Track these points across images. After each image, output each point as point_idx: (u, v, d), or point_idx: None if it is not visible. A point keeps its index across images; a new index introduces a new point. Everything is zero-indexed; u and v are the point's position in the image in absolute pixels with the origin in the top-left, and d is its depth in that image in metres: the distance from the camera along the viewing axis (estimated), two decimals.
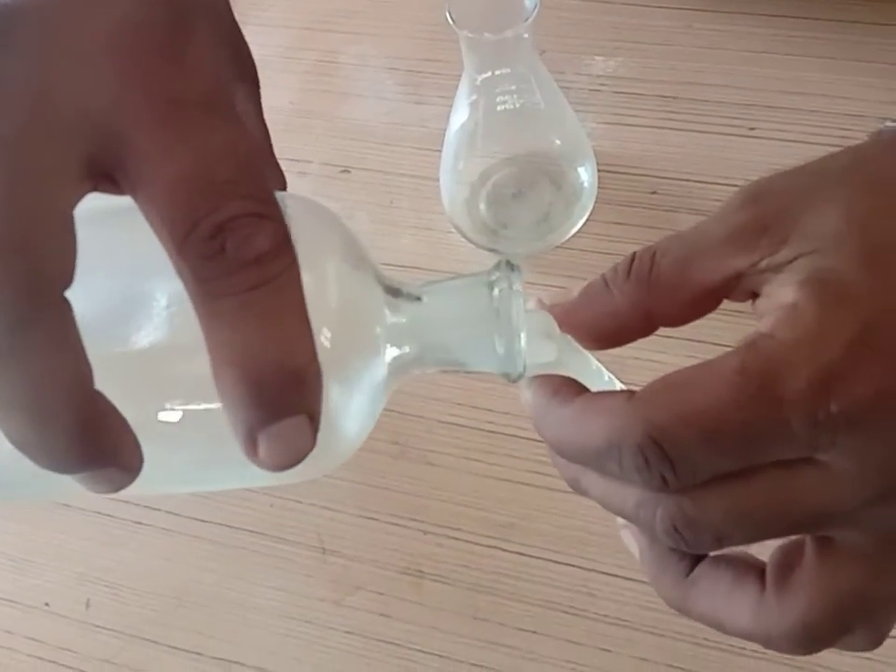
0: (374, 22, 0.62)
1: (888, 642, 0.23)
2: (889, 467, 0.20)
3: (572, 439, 0.22)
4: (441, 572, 0.43)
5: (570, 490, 0.24)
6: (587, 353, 0.24)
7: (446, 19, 0.43)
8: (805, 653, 0.23)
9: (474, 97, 0.48)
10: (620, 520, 0.25)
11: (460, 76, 0.48)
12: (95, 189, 0.20)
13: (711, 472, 0.20)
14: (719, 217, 0.23)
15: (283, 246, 0.19)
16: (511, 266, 0.23)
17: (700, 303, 0.23)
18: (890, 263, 0.20)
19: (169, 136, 0.19)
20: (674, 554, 0.24)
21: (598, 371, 0.24)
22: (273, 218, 0.19)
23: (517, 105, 0.48)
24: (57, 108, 0.18)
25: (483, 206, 0.51)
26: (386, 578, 0.43)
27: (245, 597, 0.44)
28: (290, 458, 0.19)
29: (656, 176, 0.51)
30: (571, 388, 0.22)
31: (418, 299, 0.24)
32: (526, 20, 0.42)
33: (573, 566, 0.42)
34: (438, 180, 0.51)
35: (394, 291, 0.24)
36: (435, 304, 0.24)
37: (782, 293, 0.21)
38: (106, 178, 0.19)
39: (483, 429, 0.46)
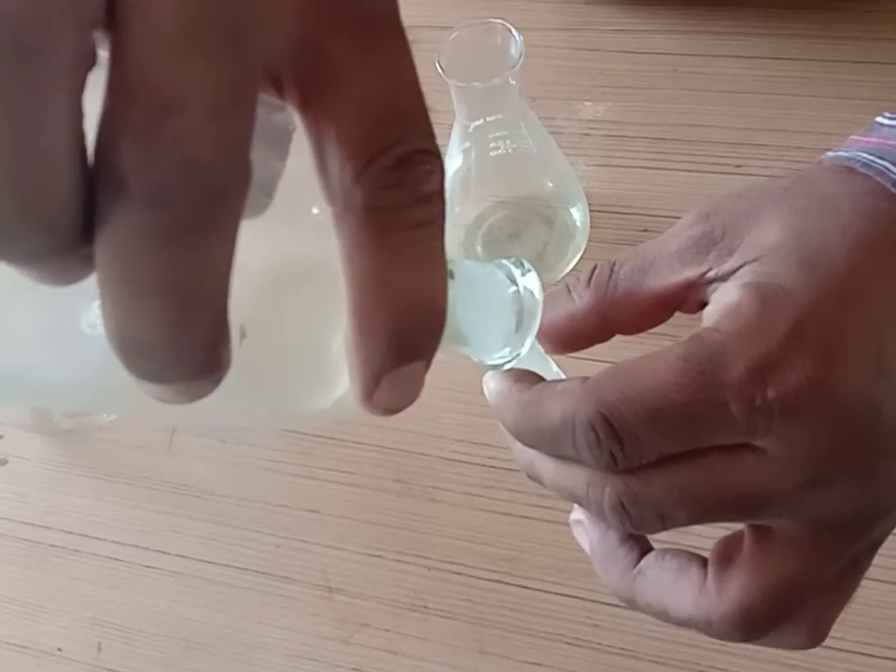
0: None
1: None
2: (818, 453, 0.21)
3: (530, 420, 0.23)
4: (446, 607, 0.43)
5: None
6: (547, 357, 0.25)
7: (436, 69, 0.45)
8: (744, 639, 0.23)
9: (467, 144, 0.49)
10: (572, 516, 0.26)
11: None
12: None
13: (657, 452, 0.21)
14: (673, 232, 0.24)
15: (444, 188, 0.18)
16: (523, 263, 0.23)
17: (653, 312, 0.24)
18: (822, 267, 0.22)
19: (361, 53, 0.17)
20: (622, 547, 0.25)
21: (557, 374, 0.24)
22: (441, 158, 0.18)
23: (509, 150, 0.49)
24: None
25: (479, 248, 0.52)
26: (392, 614, 0.43)
27: (253, 637, 0.44)
28: (403, 403, 0.19)
29: (646, 215, 0.52)
30: (531, 378, 0.24)
31: (451, 276, 0.22)
32: (512, 67, 0.44)
33: (576, 597, 0.42)
34: None
35: None
36: (463, 285, 0.22)
37: (727, 296, 0.22)
38: (271, 82, 0.17)
39: (484, 465, 0.46)
